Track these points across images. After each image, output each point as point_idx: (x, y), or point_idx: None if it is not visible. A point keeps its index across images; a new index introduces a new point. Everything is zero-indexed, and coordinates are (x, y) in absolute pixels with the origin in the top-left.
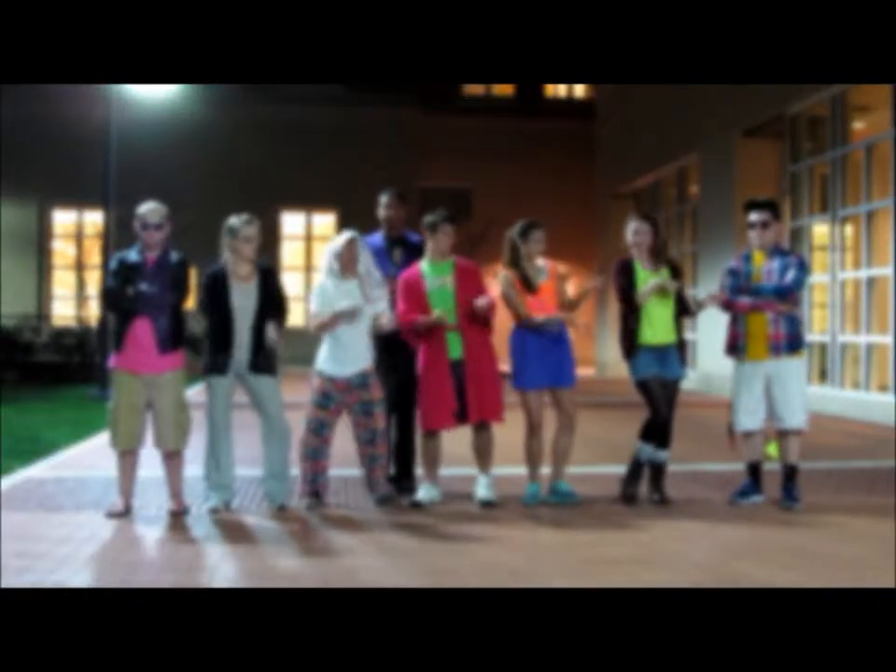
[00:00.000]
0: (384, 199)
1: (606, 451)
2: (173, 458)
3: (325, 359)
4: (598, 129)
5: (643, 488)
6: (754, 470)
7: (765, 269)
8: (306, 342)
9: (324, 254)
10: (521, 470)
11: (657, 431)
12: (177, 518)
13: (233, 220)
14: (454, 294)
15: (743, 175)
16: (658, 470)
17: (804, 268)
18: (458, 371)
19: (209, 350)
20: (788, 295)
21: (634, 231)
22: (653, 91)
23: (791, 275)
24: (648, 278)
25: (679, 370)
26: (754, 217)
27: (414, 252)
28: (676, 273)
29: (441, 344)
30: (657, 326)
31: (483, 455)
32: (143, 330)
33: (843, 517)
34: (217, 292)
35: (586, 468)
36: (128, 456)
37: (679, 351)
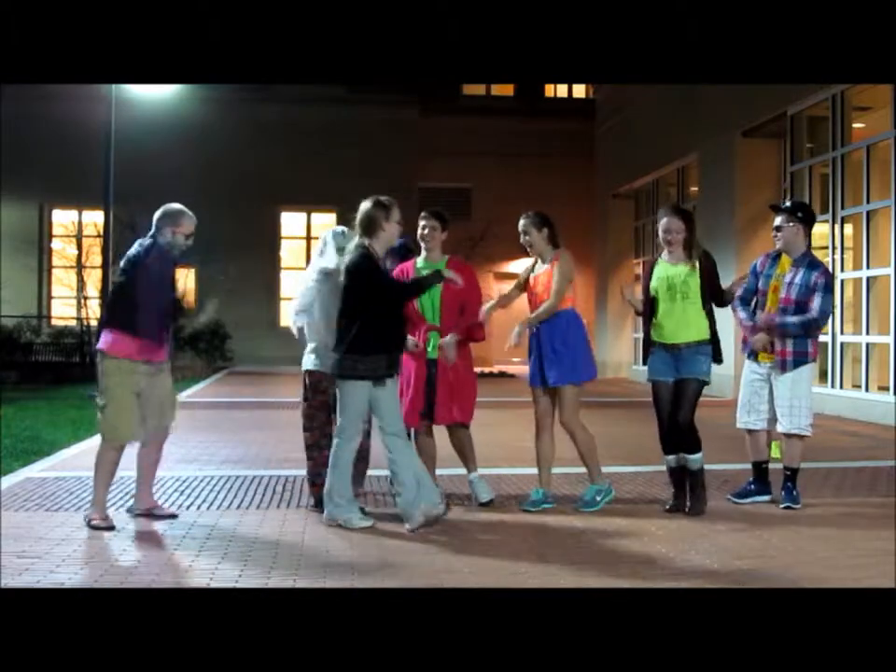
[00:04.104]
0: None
1: (604, 451)
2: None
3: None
4: (598, 129)
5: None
6: (758, 470)
7: (786, 280)
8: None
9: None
10: (521, 471)
11: (663, 438)
12: (178, 518)
13: (387, 199)
14: (440, 294)
15: (743, 175)
16: (693, 477)
17: (829, 289)
18: (433, 371)
19: (373, 348)
20: (815, 330)
21: (665, 230)
22: (653, 91)
23: (816, 304)
24: (666, 272)
25: (698, 368)
26: (776, 221)
27: (396, 253)
28: (703, 266)
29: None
30: (664, 324)
31: (464, 453)
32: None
33: (843, 517)
34: (380, 279)
35: (584, 468)
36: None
37: (712, 348)
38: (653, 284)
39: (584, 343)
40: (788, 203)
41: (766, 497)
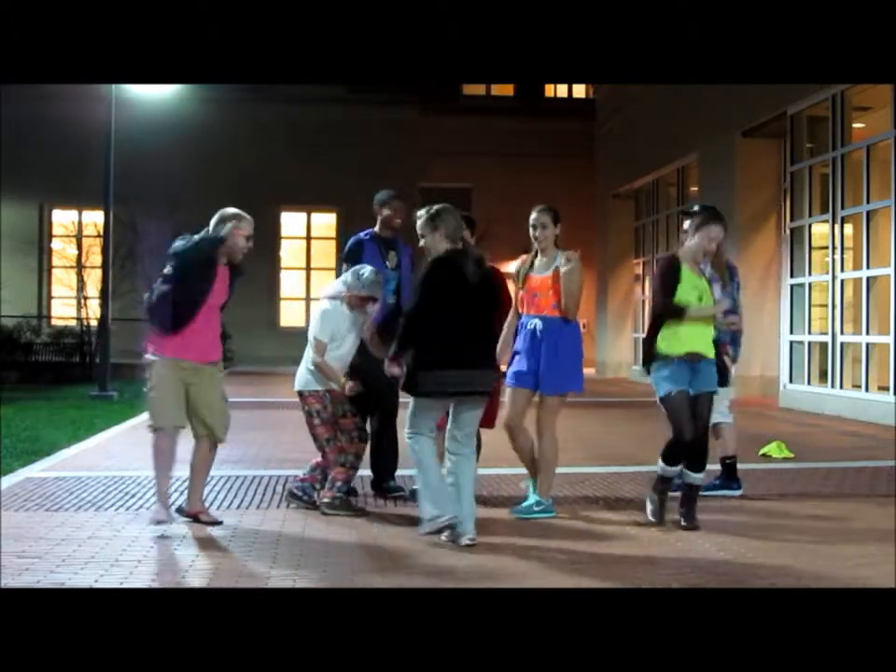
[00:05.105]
0: (396, 203)
1: (604, 451)
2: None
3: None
4: (598, 129)
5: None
6: (723, 465)
7: None
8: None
9: (344, 280)
10: (521, 471)
11: (680, 454)
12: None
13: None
14: None
15: (743, 175)
16: (690, 493)
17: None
18: None
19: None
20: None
21: (714, 238)
22: (653, 91)
23: None
24: (695, 282)
25: (711, 382)
26: (684, 226)
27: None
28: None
29: None
30: (689, 335)
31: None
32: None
33: (843, 517)
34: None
35: (584, 468)
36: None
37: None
38: (686, 293)
39: (581, 355)
40: (696, 208)
41: (736, 493)
